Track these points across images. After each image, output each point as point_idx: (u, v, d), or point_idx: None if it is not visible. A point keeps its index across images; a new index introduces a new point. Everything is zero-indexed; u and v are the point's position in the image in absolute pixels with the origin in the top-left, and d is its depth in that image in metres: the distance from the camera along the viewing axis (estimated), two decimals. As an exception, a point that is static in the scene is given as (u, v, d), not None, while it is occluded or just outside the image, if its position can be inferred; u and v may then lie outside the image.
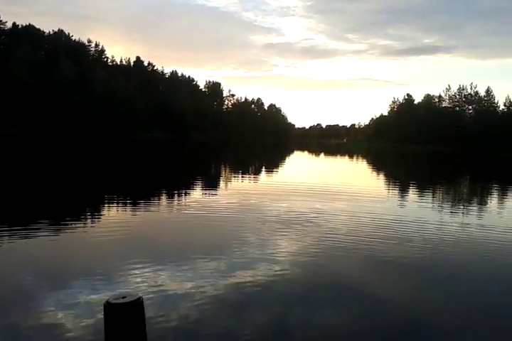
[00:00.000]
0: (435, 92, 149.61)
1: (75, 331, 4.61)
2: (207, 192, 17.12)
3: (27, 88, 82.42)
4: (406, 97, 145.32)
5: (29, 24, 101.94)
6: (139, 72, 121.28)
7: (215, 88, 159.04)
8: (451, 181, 28.09)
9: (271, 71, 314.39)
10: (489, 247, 9.02)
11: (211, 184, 20.35)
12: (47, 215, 11.21)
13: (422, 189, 21.73)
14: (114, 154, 40.50)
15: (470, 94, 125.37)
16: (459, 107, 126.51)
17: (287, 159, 49.93)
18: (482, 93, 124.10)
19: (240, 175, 26.05)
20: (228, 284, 6.17)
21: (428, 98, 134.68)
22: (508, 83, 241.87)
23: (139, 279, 6.21)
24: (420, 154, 75.43)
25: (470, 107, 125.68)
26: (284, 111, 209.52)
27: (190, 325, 4.89)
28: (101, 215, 11.62)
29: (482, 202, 17.74)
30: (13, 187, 15.71)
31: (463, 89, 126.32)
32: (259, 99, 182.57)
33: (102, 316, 2.62)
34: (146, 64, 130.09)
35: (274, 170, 31.46)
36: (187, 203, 14.08)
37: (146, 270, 6.62)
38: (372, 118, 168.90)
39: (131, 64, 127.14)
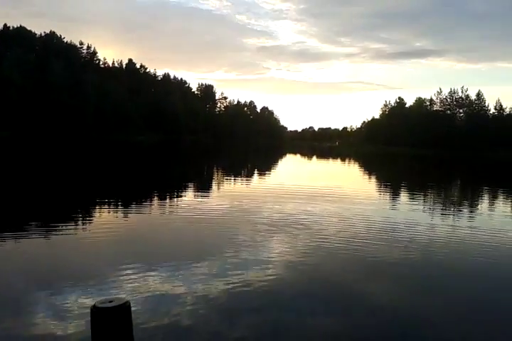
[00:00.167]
0: (427, 96, 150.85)
1: (63, 335, 4.58)
2: (199, 194, 17.09)
3: (18, 90, 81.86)
4: (398, 100, 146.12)
5: (20, 26, 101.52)
6: (131, 74, 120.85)
7: (207, 91, 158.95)
8: (441, 184, 28.25)
9: (263, 74, 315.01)
10: (478, 248, 9.14)
11: (203, 186, 20.32)
12: (37, 218, 11.14)
13: (412, 191, 21.83)
14: (105, 157, 40.30)
15: (461, 97, 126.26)
16: (450, 110, 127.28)
17: (279, 162, 49.95)
18: (473, 96, 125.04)
19: (232, 178, 26.02)
20: (219, 287, 6.16)
21: (419, 101, 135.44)
22: (499, 87, 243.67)
23: (130, 282, 6.18)
24: (411, 157, 75.80)
25: (461, 110, 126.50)
26: (277, 114, 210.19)
27: (181, 329, 4.88)
28: (92, 218, 11.55)
29: (471, 205, 17.86)
30: (2, 190, 15.58)
31: (454, 93, 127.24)
32: (251, 102, 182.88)
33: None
34: (138, 66, 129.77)
35: (267, 172, 31.46)
36: (179, 206, 14.06)
37: (137, 273, 6.59)
38: (364, 122, 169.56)
39: (124, 66, 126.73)
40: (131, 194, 16.73)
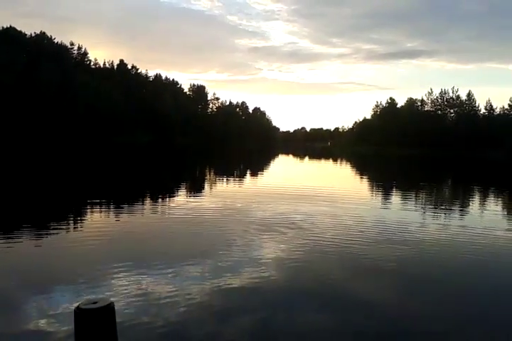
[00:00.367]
0: (418, 96, 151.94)
1: (48, 336, 4.54)
2: (191, 195, 17.05)
3: (8, 91, 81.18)
4: (389, 101, 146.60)
5: (10, 26, 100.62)
6: (122, 75, 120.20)
7: (199, 91, 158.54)
8: (431, 183, 28.38)
9: (255, 74, 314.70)
10: (468, 247, 9.22)
11: (195, 187, 20.27)
12: (29, 220, 11.06)
13: (403, 191, 21.93)
14: (96, 158, 40.09)
15: (452, 97, 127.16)
16: (441, 111, 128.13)
17: (272, 163, 49.99)
18: (463, 97, 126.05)
19: (225, 179, 25.98)
20: (212, 287, 6.15)
21: (411, 102, 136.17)
22: (489, 87, 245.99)
23: (121, 283, 6.15)
24: (403, 157, 76.19)
25: (452, 111, 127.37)
26: (269, 114, 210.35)
27: (173, 330, 4.85)
28: (84, 219, 11.50)
29: (461, 204, 17.95)
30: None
31: (445, 93, 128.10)
32: (243, 103, 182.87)
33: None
34: (129, 67, 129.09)
35: (259, 173, 31.46)
36: (171, 207, 14.02)
37: (128, 274, 6.56)
38: (356, 122, 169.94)
39: (115, 67, 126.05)
40: (123, 195, 16.64)
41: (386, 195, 20.15)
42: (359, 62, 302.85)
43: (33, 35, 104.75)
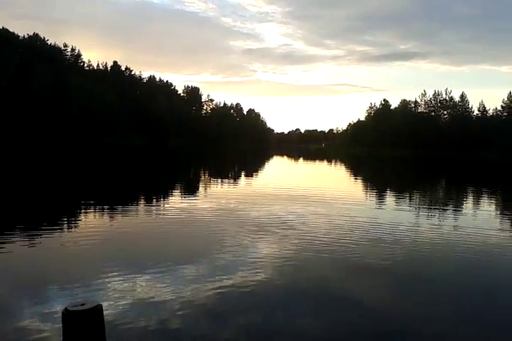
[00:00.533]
0: (411, 98, 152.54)
1: (38, 338, 4.51)
2: (186, 197, 17.02)
3: (1, 93, 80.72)
4: (383, 102, 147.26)
5: (3, 28, 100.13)
6: (116, 76, 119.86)
7: (193, 93, 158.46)
8: (425, 184, 28.49)
9: (250, 76, 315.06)
10: (462, 247, 9.26)
11: (189, 189, 20.24)
12: (22, 222, 11.00)
13: (397, 192, 22.00)
14: (90, 160, 39.94)
15: (445, 99, 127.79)
16: (435, 112, 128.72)
17: (266, 164, 50.00)
18: (457, 98, 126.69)
19: (219, 180, 25.95)
20: (207, 289, 6.13)
21: (404, 103, 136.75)
22: (482, 89, 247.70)
23: (116, 285, 6.12)
24: (396, 158, 76.46)
25: (445, 112, 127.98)
26: (263, 116, 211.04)
27: (167, 332, 4.83)
28: (78, 221, 11.44)
29: (454, 204, 18.01)
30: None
31: (438, 95, 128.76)
32: (238, 104, 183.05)
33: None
34: (123, 68, 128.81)
35: (254, 175, 31.45)
36: (165, 208, 13.98)
37: (123, 276, 6.53)
38: (350, 124, 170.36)
39: (108, 68, 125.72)
40: (116, 196, 16.58)
41: (379, 195, 20.20)
42: (353, 64, 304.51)
43: (26, 36, 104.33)
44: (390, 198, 19.17)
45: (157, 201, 15.96)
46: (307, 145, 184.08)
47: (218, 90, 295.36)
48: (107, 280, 6.34)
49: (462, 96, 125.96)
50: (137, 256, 7.95)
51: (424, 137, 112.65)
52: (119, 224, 10.92)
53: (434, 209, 16.14)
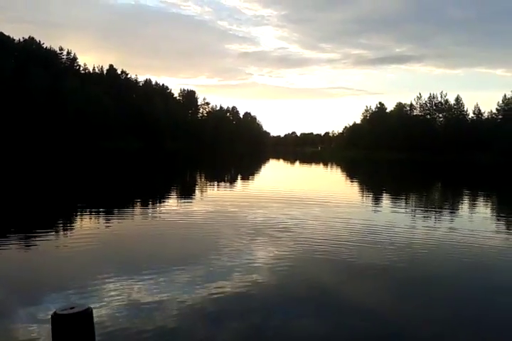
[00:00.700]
0: (407, 101, 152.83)
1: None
2: (182, 200, 16.95)
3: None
4: (378, 106, 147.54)
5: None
6: (112, 80, 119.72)
7: (189, 96, 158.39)
8: (420, 187, 28.55)
9: (246, 79, 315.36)
10: (459, 249, 9.30)
11: (186, 193, 20.17)
12: (16, 225, 10.95)
13: (392, 195, 22.00)
14: (86, 163, 39.83)
15: (440, 102, 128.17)
16: (430, 115, 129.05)
17: (263, 167, 49.99)
18: (452, 101, 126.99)
19: (216, 184, 25.92)
20: (203, 293, 6.09)
21: (400, 106, 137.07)
22: (477, 92, 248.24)
23: (111, 289, 6.08)
24: (392, 161, 76.61)
25: (440, 115, 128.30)
26: (260, 119, 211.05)
27: (162, 336, 4.78)
28: (74, 225, 11.38)
29: (450, 207, 18.04)
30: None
31: (433, 98, 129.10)
32: (234, 108, 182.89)
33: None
34: (119, 72, 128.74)
35: (250, 178, 31.43)
36: (162, 212, 13.91)
37: (118, 280, 6.50)
38: (346, 127, 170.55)
39: (104, 72, 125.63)
40: (112, 200, 16.51)
41: (375, 198, 20.21)
42: (348, 67, 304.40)
43: (22, 40, 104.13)
44: (386, 201, 19.18)
45: (153, 204, 15.91)
46: (303, 149, 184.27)
47: (214, 93, 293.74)
48: (101, 283, 6.30)
49: (457, 99, 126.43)
50: (132, 259, 7.91)
51: (420, 140, 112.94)
52: (115, 227, 10.87)
53: (430, 211, 16.15)
